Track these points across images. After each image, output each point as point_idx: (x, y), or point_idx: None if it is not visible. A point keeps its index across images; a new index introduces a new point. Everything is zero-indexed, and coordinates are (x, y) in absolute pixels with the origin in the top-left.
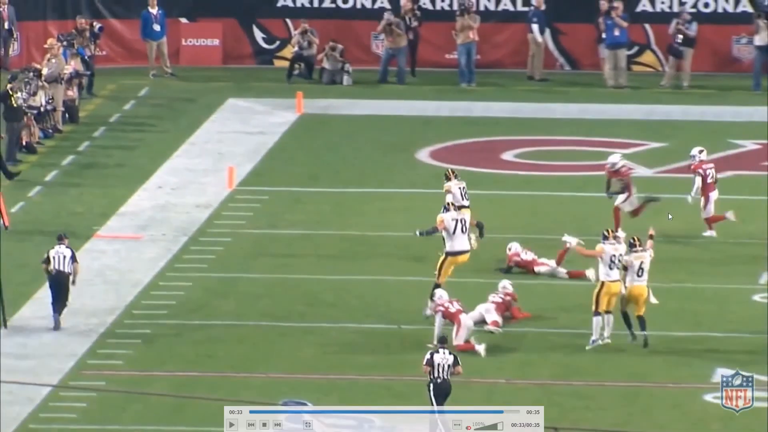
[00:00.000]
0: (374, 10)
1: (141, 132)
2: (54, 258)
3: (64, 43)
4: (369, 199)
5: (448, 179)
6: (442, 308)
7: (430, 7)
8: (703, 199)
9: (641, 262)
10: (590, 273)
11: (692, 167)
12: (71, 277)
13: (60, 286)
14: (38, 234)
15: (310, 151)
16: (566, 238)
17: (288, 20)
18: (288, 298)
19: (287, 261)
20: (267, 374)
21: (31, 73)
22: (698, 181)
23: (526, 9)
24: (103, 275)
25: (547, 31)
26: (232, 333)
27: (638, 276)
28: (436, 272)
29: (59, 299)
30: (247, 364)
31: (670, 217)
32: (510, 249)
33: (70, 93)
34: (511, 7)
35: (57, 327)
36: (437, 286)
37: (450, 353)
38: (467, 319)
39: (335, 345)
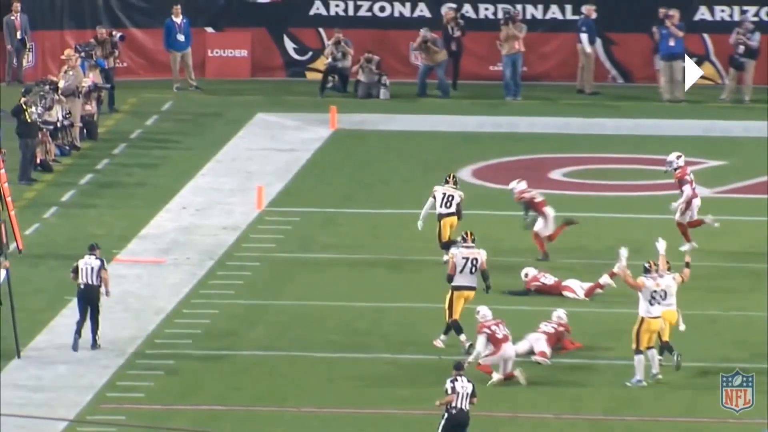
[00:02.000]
0: (413, 19)
1: (164, 149)
2: (82, 270)
3: (82, 54)
4: (406, 220)
5: (446, 183)
6: (488, 330)
7: (473, 15)
8: (683, 205)
9: (666, 287)
10: (604, 279)
11: (677, 174)
12: (101, 289)
13: (87, 302)
14: (53, 258)
15: (344, 169)
16: (622, 252)
17: (321, 30)
18: (320, 327)
19: (319, 287)
20: (298, 408)
21: (47, 86)
22: (688, 188)
23: (575, 17)
24: (124, 302)
25: (598, 41)
26: (261, 364)
27: (663, 301)
28: (446, 309)
29: (86, 316)
30: (277, 397)
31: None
32: (527, 275)
33: (88, 107)
34: (559, 16)
35: (76, 348)
36: (453, 323)
37: (468, 381)
38: (509, 350)
39: (370, 377)
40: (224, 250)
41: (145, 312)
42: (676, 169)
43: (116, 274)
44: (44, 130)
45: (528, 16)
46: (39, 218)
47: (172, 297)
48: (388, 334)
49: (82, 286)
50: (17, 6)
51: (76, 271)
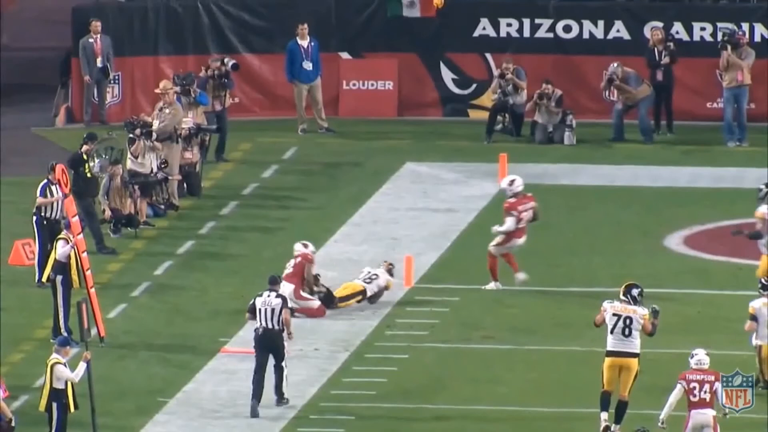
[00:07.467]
0: (607, 41)
1: (285, 208)
2: (261, 310)
3: (186, 86)
4: (599, 300)
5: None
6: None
7: (685, 37)
8: (501, 238)
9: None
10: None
11: (504, 205)
12: (283, 334)
13: (267, 349)
14: (144, 349)
15: None
16: None
17: (488, 55)
18: None
19: (485, 386)
20: None
21: (138, 129)
22: (511, 222)
23: None
24: (234, 406)
25: None
26: None
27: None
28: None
29: (265, 367)
30: None
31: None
32: None
33: (189, 155)
34: None
35: (255, 413)
36: (605, 394)
37: None
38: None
39: None
40: (362, 338)
41: (260, 422)
42: (510, 197)
43: (224, 369)
44: (133, 184)
45: (756, 38)
46: (126, 297)
47: (296, 400)
48: None
49: (260, 331)
50: (97, 26)
51: (253, 311)
